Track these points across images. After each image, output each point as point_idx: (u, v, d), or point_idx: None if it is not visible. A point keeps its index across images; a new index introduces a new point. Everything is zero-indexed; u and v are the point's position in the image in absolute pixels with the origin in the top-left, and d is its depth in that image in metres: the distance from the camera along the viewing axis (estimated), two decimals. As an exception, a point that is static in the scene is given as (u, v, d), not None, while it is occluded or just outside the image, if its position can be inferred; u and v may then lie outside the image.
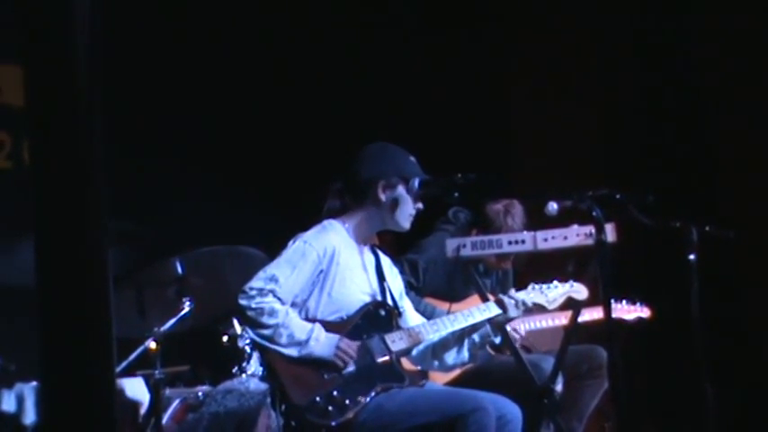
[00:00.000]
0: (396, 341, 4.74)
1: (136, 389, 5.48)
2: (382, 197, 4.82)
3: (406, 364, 4.93)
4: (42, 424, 4.95)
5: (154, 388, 5.24)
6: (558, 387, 5.31)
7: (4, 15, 6.28)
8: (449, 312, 4.92)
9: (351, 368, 4.62)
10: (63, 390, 2.86)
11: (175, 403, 5.38)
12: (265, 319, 4.58)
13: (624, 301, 5.91)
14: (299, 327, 4.61)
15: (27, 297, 3.00)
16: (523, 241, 5.11)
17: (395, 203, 4.81)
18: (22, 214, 2.99)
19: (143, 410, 5.44)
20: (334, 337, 4.62)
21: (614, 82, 7.71)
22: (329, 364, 4.60)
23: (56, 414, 2.88)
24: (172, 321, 5.34)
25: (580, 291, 5.09)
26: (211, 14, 7.24)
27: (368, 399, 4.58)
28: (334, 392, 4.57)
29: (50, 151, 2.90)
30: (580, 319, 5.34)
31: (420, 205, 4.86)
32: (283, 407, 4.61)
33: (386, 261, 5.00)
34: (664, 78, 7.61)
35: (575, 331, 5.31)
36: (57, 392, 2.87)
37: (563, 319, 5.74)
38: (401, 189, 4.82)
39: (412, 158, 4.90)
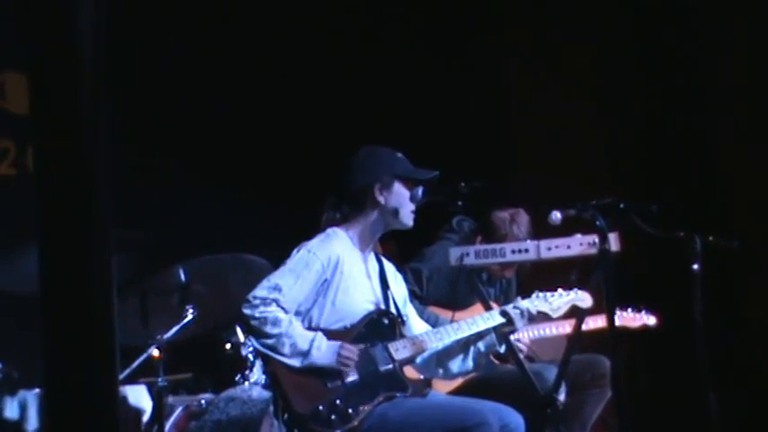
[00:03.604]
0: (399, 350, 4.73)
1: (139, 396, 5.48)
2: (381, 199, 4.83)
3: (410, 372, 4.92)
4: (45, 431, 4.95)
5: (157, 395, 5.24)
6: (562, 396, 5.30)
7: (9, 23, 6.30)
8: (452, 321, 4.91)
9: (354, 377, 4.61)
10: (66, 397, 2.86)
11: (178, 411, 5.38)
12: (269, 329, 4.57)
13: (629, 309, 5.90)
14: (302, 336, 4.60)
15: (31, 304, 3.01)
16: (527, 250, 5.11)
17: (395, 202, 4.82)
18: (26, 221, 3.00)
19: (146, 418, 5.45)
20: (335, 344, 4.62)
21: (616, 90, 7.70)
22: (332, 372, 4.59)
23: (58, 421, 2.88)
24: (175, 329, 5.35)
25: (584, 299, 5.08)
26: (215, 20, 7.24)
27: (371, 407, 4.58)
28: (337, 401, 4.56)
29: (54, 159, 2.90)
30: (584, 328, 5.33)
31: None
32: (286, 416, 4.61)
33: (390, 268, 5.00)
34: (666, 87, 7.60)
35: (578, 340, 5.30)
36: (60, 400, 2.88)
37: (566, 328, 5.73)
38: (397, 187, 4.83)
39: (399, 155, 4.92)
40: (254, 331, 4.61)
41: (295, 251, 4.77)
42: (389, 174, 4.84)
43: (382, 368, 4.68)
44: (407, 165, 4.90)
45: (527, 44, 8.07)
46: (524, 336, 5.79)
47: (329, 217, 4.89)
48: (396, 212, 4.83)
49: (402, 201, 4.84)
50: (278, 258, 4.82)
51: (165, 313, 5.37)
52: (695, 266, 5.08)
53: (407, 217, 4.85)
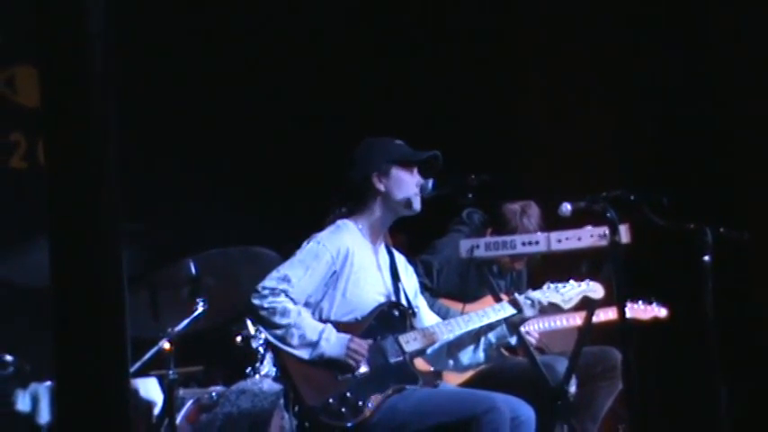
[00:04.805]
0: (410, 342, 4.73)
1: (150, 389, 5.49)
2: (381, 187, 4.82)
3: (420, 364, 4.93)
4: (57, 424, 4.96)
5: (167, 388, 5.25)
6: (572, 388, 5.30)
7: (20, 17, 6.31)
8: (462, 313, 4.91)
9: (364, 369, 4.62)
10: (77, 390, 2.87)
11: (189, 404, 5.38)
12: (277, 319, 4.58)
13: (640, 302, 5.90)
14: (311, 327, 4.61)
15: (42, 297, 3.01)
16: (537, 242, 5.11)
17: (396, 188, 4.81)
18: (37, 215, 3.00)
19: (157, 411, 5.46)
20: (345, 337, 4.62)
21: (628, 81, 7.69)
22: (341, 365, 4.60)
23: (70, 414, 2.89)
24: (185, 322, 5.35)
25: (596, 290, 5.07)
26: (217, 18, 7.24)
27: (381, 400, 4.58)
28: (348, 393, 4.57)
29: (65, 152, 2.91)
30: (594, 320, 5.33)
31: (423, 181, 4.84)
32: (296, 408, 4.61)
33: (401, 260, 5.00)
34: (678, 78, 7.58)
35: (589, 332, 5.30)
36: (71, 392, 2.88)
37: (577, 320, 5.73)
38: (396, 172, 4.82)
39: (398, 141, 4.91)
40: (263, 321, 4.62)
41: (305, 243, 4.77)
42: (386, 161, 4.83)
43: (393, 360, 4.68)
44: (404, 149, 4.88)
45: (538, 37, 8.06)
46: (533, 328, 5.79)
47: (336, 214, 4.89)
48: (399, 198, 4.82)
49: (403, 185, 4.82)
50: (288, 251, 4.83)
51: (176, 306, 5.38)
52: (706, 258, 5.08)
53: (414, 201, 4.83)
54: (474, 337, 4.89)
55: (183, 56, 7.10)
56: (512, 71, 8.15)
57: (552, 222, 5.20)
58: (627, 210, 4.78)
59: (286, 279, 4.63)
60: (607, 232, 4.76)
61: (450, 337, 4.83)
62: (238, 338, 5.59)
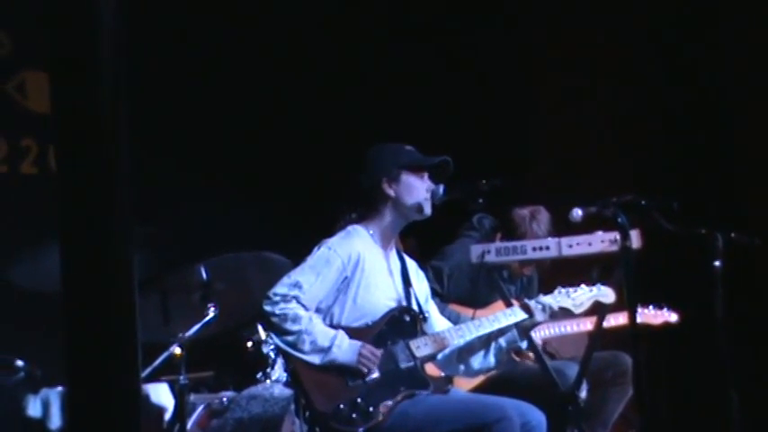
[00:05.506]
0: (420, 347, 4.73)
1: (161, 394, 5.49)
2: (390, 192, 4.82)
3: (431, 369, 4.92)
4: (68, 429, 4.97)
5: (178, 393, 5.25)
6: (583, 393, 5.29)
7: (29, 22, 6.32)
8: (473, 319, 4.91)
9: (375, 374, 4.61)
10: (88, 395, 2.87)
11: (200, 409, 5.38)
12: (289, 326, 4.59)
13: (651, 306, 5.90)
14: (323, 333, 4.61)
15: (53, 302, 3.02)
16: (548, 247, 5.11)
17: (406, 193, 4.81)
18: (48, 220, 3.01)
19: (168, 416, 5.45)
20: (357, 344, 4.62)
21: (635, 86, 7.68)
22: (353, 371, 4.59)
23: (81, 419, 2.89)
24: (196, 327, 5.34)
25: (607, 294, 5.07)
26: (223, 20, 7.25)
27: (392, 405, 4.57)
28: (359, 399, 4.57)
29: (76, 156, 2.91)
30: (605, 325, 5.33)
31: (434, 186, 4.84)
32: (307, 413, 4.61)
33: (412, 265, 5.00)
34: (685, 83, 7.58)
35: (600, 337, 5.29)
36: (82, 398, 2.88)
37: (588, 325, 5.72)
38: (405, 177, 4.82)
39: (408, 147, 4.91)
40: (275, 328, 4.63)
41: (316, 248, 4.78)
42: (396, 166, 4.84)
43: (403, 366, 4.68)
44: (414, 154, 4.89)
45: (546, 42, 8.06)
46: (541, 334, 5.77)
47: (347, 220, 4.88)
48: (410, 203, 4.82)
49: (414, 191, 4.82)
50: (299, 255, 4.83)
51: (187, 311, 5.38)
52: (717, 263, 5.07)
53: (424, 205, 4.83)
54: (485, 341, 4.89)
55: (191, 58, 7.10)
56: (522, 76, 8.15)
57: (562, 227, 5.20)
58: (638, 215, 4.77)
59: (297, 285, 4.63)
60: (618, 237, 4.75)
61: (461, 342, 4.83)
62: (249, 343, 5.59)
